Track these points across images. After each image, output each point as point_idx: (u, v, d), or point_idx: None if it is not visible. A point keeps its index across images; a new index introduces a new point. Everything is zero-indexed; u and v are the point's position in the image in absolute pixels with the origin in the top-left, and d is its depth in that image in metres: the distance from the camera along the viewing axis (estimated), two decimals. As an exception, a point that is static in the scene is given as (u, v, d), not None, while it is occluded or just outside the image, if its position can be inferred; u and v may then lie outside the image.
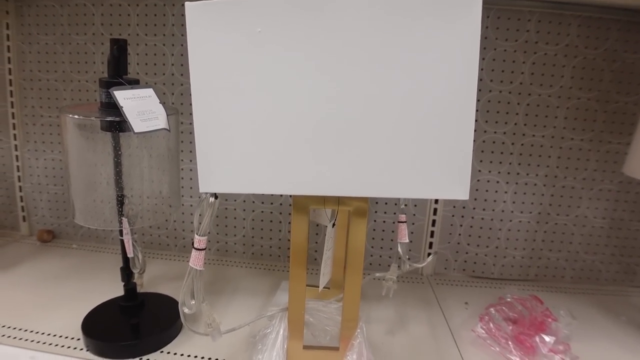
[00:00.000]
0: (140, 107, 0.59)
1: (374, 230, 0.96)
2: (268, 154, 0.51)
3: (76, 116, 0.62)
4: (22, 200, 1.10)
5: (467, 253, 0.96)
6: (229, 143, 0.52)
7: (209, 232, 0.69)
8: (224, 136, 0.51)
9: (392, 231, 0.95)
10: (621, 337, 0.77)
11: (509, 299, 0.76)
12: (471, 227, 0.94)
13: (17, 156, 1.08)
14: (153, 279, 0.90)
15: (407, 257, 0.68)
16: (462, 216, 0.94)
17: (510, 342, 0.67)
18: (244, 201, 0.98)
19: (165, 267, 0.97)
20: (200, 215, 0.56)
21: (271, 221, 0.98)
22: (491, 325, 0.70)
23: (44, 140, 1.05)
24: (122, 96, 0.59)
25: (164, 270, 0.94)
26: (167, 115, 0.61)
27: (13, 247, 1.05)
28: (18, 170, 1.08)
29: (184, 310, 0.58)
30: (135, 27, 0.95)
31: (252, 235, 1.00)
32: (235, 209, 0.98)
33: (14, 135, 1.06)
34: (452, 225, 0.94)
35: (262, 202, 0.97)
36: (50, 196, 1.07)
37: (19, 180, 1.09)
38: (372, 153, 0.51)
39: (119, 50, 0.61)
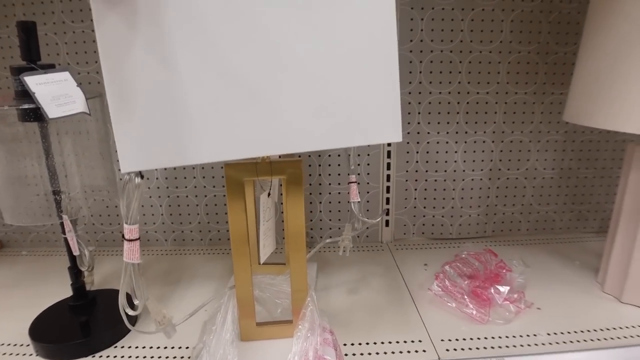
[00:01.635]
0: (56, 91, 0.55)
1: (330, 202, 0.95)
2: (186, 121, 0.48)
3: (-13, 108, 0.57)
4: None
5: (424, 216, 0.96)
6: (142, 113, 0.48)
7: (153, 222, 0.66)
8: (137, 109, 0.47)
9: (348, 201, 0.95)
10: (575, 279, 0.79)
11: (464, 255, 0.77)
12: (426, 190, 0.94)
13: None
14: (107, 276, 0.86)
15: (360, 215, 0.67)
16: (416, 180, 0.94)
17: (466, 297, 0.68)
18: (195, 187, 0.95)
19: (120, 263, 0.93)
20: (127, 201, 0.52)
21: (225, 204, 0.96)
22: (447, 282, 0.70)
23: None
24: (34, 82, 0.55)
25: (118, 266, 0.91)
26: (87, 99, 0.57)
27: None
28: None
29: (127, 311, 0.54)
30: (60, 15, 0.89)
31: (208, 220, 0.98)
32: (187, 196, 0.95)
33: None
34: (406, 190, 0.94)
35: (214, 186, 0.95)
36: (-10, 203, 1.01)
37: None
38: (297, 105, 0.48)
39: (26, 33, 0.57)
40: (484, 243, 0.94)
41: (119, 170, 0.48)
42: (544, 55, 0.89)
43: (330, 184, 0.93)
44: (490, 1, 0.86)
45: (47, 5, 0.89)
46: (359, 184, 0.91)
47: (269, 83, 0.48)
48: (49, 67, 0.58)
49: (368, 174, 0.92)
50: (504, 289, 0.68)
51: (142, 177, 0.51)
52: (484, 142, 0.92)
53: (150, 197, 0.96)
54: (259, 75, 0.47)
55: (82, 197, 0.69)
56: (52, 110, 0.53)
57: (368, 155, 0.90)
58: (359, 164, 0.90)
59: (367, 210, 0.95)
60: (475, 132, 0.92)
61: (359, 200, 0.66)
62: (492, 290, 0.68)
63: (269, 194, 0.61)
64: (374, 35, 0.47)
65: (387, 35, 0.47)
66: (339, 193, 0.94)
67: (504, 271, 0.73)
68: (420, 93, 0.89)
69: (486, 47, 0.87)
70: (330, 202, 0.95)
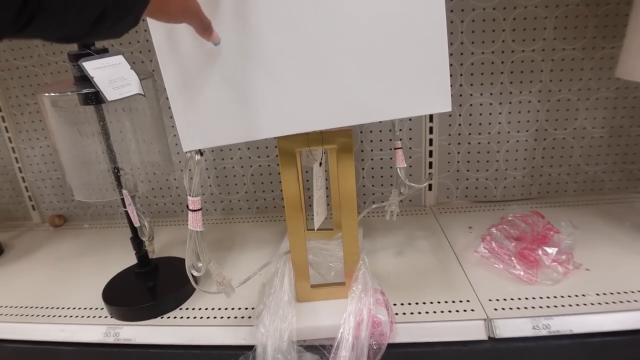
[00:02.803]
0: (112, 75, 0.58)
1: (372, 168, 0.96)
2: (241, 100, 0.51)
3: (51, 94, 0.61)
4: (27, 190, 1.12)
5: (467, 179, 0.96)
6: (201, 96, 0.51)
7: (202, 193, 0.69)
8: (196, 89, 0.51)
9: (391, 167, 0.96)
10: (625, 240, 0.78)
11: (510, 218, 0.77)
12: (469, 153, 0.94)
13: (12, 148, 1.08)
14: (164, 245, 0.92)
15: (407, 180, 0.68)
16: (459, 143, 0.93)
17: (513, 258, 0.68)
18: (241, 158, 0.98)
19: (174, 232, 0.99)
20: (190, 177, 0.56)
21: (270, 174, 0.99)
22: (493, 244, 0.71)
23: (35, 128, 1.05)
24: (92, 66, 0.58)
25: (174, 236, 0.97)
26: (141, 80, 0.60)
27: (28, 235, 1.08)
28: (17, 162, 1.09)
29: (193, 272, 0.60)
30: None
31: (254, 190, 1.01)
32: (233, 167, 0.99)
33: (5, 127, 1.06)
34: (449, 153, 0.94)
35: (259, 157, 0.98)
36: (54, 182, 1.09)
37: (20, 171, 1.10)
38: (346, 79, 0.50)
39: (82, 19, 0.59)
40: (529, 205, 0.94)
41: (176, 145, 0.52)
42: (594, 7, 0.85)
43: (372, 150, 0.94)
44: (536, -48, 0.81)
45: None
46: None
47: (325, 56, 0.49)
48: (103, 52, 0.61)
49: (410, 138, 0.93)
50: (551, 250, 0.68)
51: (201, 154, 0.55)
52: (529, 102, 0.90)
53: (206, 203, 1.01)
54: (310, 55, 0.49)
55: (139, 173, 0.73)
56: (110, 93, 0.57)
57: (410, 119, 0.90)
58: (401, 129, 0.90)
59: (410, 175, 0.95)
60: (520, 92, 0.89)
61: (405, 165, 0.67)
62: (540, 252, 0.68)
63: (320, 163, 0.63)
64: (424, 7, 0.47)
65: (436, 6, 0.47)
66: (381, 159, 0.95)
67: (552, 233, 0.73)
68: (462, 54, 0.87)
69: (530, 1, 0.84)
70: (372, 168, 0.96)
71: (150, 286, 0.74)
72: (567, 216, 0.87)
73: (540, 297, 0.64)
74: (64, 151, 0.68)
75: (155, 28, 0.49)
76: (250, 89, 0.51)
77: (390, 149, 0.94)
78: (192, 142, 0.53)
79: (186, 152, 0.54)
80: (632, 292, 0.64)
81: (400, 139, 0.65)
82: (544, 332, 0.59)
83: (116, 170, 0.68)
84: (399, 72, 0.50)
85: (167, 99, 0.52)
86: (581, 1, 0.84)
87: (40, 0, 0.26)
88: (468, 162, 0.94)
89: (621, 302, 0.62)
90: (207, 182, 1.01)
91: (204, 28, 0.45)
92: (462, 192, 0.97)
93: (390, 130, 0.91)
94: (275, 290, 0.62)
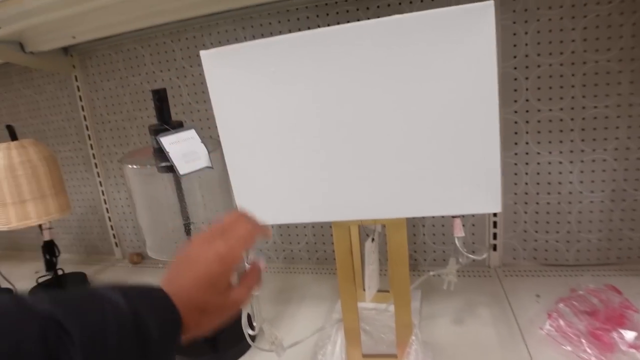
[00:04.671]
0: (184, 149, 0.64)
1: (434, 226, 0.94)
2: (299, 185, 0.55)
3: (134, 166, 0.69)
4: (112, 229, 1.24)
5: (536, 240, 0.91)
6: (261, 179, 0.55)
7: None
8: (255, 172, 0.55)
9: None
10: None
11: (581, 292, 0.71)
12: (537, 213, 0.89)
13: (102, 191, 1.21)
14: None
15: (465, 250, 0.66)
16: (526, 203, 0.89)
17: (583, 340, 0.63)
18: None
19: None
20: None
21: (330, 226, 1.01)
22: (561, 322, 0.66)
23: (121, 174, 1.16)
24: (168, 142, 0.64)
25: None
26: (209, 153, 0.65)
27: (111, 270, 1.20)
28: (105, 203, 1.22)
29: (248, 332, 0.64)
30: (181, 61, 1.01)
31: (315, 241, 1.03)
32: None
33: (97, 173, 1.20)
34: (515, 213, 0.90)
35: (319, 211, 1.00)
36: (135, 222, 1.19)
37: (107, 212, 1.23)
38: (401, 174, 0.52)
39: (159, 100, 0.66)
40: (606, 272, 0.86)
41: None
42: (680, 61, 0.78)
43: (432, 208, 0.93)
44: (605, 5, 0.77)
45: (169, 54, 1.01)
46: (463, 217, 0.89)
47: (378, 160, 0.52)
48: (179, 126, 0.67)
49: None
50: (630, 334, 0.62)
51: None
52: (604, 160, 0.84)
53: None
54: (371, 153, 0.52)
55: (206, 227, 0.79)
56: (182, 167, 0.62)
57: None
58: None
59: (473, 234, 0.92)
60: (594, 150, 0.84)
61: (463, 234, 0.65)
62: (615, 335, 0.63)
63: (372, 239, 0.64)
64: (475, 98, 0.48)
65: (488, 96, 0.47)
66: (443, 217, 0.93)
67: (630, 312, 0.67)
68: (527, 111, 0.84)
69: (603, 55, 0.79)
70: (434, 226, 0.94)
71: (210, 338, 0.78)
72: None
73: (616, 389, 0.58)
74: (142, 213, 0.75)
75: (220, 114, 0.54)
76: (309, 177, 0.55)
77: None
78: None
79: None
80: None
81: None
82: None
83: (186, 226, 0.74)
84: (452, 171, 0.51)
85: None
86: (663, 55, 0.78)
87: None
88: (536, 222, 0.89)
89: None
90: (271, 231, 1.05)
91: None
92: (529, 253, 0.92)
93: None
94: (326, 356, 0.63)
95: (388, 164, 0.52)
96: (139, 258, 1.23)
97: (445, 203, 0.52)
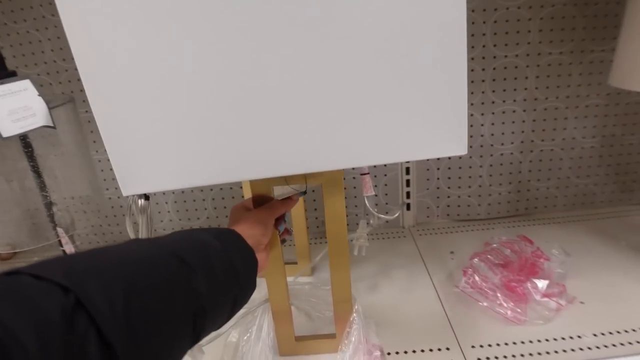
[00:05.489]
0: (12, 104, 0.49)
1: (345, 188, 0.88)
2: (196, 135, 0.39)
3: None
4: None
5: (448, 197, 0.88)
6: (143, 132, 0.39)
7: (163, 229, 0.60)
8: (135, 124, 0.39)
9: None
10: (622, 265, 0.70)
11: (495, 245, 0.69)
12: (449, 169, 0.86)
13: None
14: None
15: (376, 210, 0.60)
16: (438, 159, 0.85)
17: (499, 294, 0.60)
18: (207, 218, 0.89)
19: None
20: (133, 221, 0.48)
21: (233, 197, 0.90)
22: (476, 277, 0.63)
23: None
24: (-9, 93, 0.49)
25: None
26: (52, 108, 0.51)
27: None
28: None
29: None
30: (39, 9, 0.81)
31: (217, 215, 0.92)
32: (192, 191, 0.90)
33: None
34: (428, 169, 0.86)
35: (226, 216, 0.89)
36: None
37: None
38: (340, 113, 0.39)
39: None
40: (516, 223, 0.86)
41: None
42: (582, 7, 0.77)
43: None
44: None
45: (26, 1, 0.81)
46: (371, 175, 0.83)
47: (312, 82, 0.38)
48: (10, 76, 0.51)
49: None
50: (542, 283, 0.60)
51: (147, 198, 0.46)
52: (513, 111, 0.82)
53: (165, 230, 0.91)
54: (299, 72, 0.37)
55: (72, 209, 0.64)
56: (7, 127, 0.47)
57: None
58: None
59: (386, 194, 0.87)
60: (504, 102, 0.82)
61: (374, 193, 0.59)
62: (529, 285, 0.61)
63: (304, 192, 0.53)
64: (440, 13, 0.37)
65: (456, 28, 0.37)
66: (354, 178, 0.86)
67: (542, 260, 0.65)
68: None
69: (513, 2, 0.76)
70: (345, 188, 0.87)
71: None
72: (557, 235, 0.80)
73: (530, 341, 0.56)
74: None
75: (79, 51, 0.37)
76: (210, 120, 0.39)
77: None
78: (132, 185, 0.41)
79: (127, 198, 0.45)
80: (634, 330, 0.56)
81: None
82: (535, 388, 0.51)
83: (49, 206, 0.59)
84: (409, 108, 0.39)
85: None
86: (568, 1, 0.76)
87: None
88: (449, 178, 0.86)
89: (621, 344, 0.54)
90: (166, 216, 0.91)
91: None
92: (443, 210, 0.89)
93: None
94: (251, 347, 0.53)
95: (324, 98, 0.38)
96: (9, 254, 1.03)
97: (399, 148, 0.41)
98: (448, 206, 0.89)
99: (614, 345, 0.54)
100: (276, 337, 0.56)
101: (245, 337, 0.55)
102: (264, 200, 0.47)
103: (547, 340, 0.56)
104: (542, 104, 0.82)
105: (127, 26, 0.36)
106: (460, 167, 0.85)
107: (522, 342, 0.56)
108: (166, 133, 0.39)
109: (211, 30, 0.36)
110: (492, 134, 0.83)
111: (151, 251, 0.29)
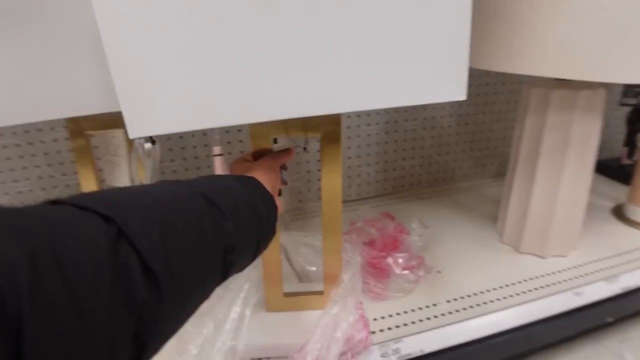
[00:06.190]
0: None
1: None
2: (204, 75, 0.37)
3: None
4: None
5: (319, 180, 0.87)
6: (152, 72, 0.36)
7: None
8: (145, 63, 0.36)
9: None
10: (473, 233, 0.75)
11: (359, 224, 0.69)
12: (318, 151, 0.85)
13: None
14: None
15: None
16: (307, 141, 0.84)
17: (363, 272, 0.60)
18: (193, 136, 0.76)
19: None
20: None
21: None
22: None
23: None
24: None
25: None
26: None
27: None
28: None
29: None
30: None
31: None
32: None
33: None
34: (298, 153, 0.84)
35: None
36: None
37: None
38: (341, 55, 0.38)
39: None
40: (383, 202, 0.88)
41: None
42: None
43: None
44: None
45: None
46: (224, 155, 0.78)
47: (314, 25, 0.36)
48: None
49: (239, 130, 0.79)
50: (402, 256, 0.62)
51: (153, 142, 0.47)
52: (377, 92, 0.83)
53: None
54: (301, 15, 0.36)
55: None
56: None
57: (227, 132, 0.77)
58: (227, 131, 0.77)
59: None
60: (367, 82, 0.82)
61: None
62: (390, 260, 0.61)
63: (305, 149, 0.53)
64: None
65: None
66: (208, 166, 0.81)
67: (403, 235, 0.67)
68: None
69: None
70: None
71: None
72: (421, 211, 0.83)
73: (391, 315, 0.56)
74: None
75: None
76: (214, 62, 0.37)
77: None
78: (140, 126, 0.38)
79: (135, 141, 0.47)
80: (482, 292, 0.60)
81: (228, 142, 0.53)
82: (393, 359, 0.51)
83: None
84: (407, 49, 0.39)
85: None
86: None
87: (232, 261, 0.31)
88: (318, 160, 0.85)
89: (471, 307, 0.58)
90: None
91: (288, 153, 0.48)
92: (314, 194, 0.88)
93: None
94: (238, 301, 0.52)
95: (326, 40, 0.37)
96: None
97: (400, 91, 0.40)
98: (319, 189, 0.88)
99: (464, 309, 0.57)
100: (265, 293, 0.54)
101: (233, 292, 0.54)
102: (264, 154, 0.47)
103: (405, 312, 0.57)
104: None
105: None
106: (307, 161, 0.85)
107: (382, 318, 0.56)
108: (173, 73, 0.37)
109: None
110: (358, 115, 0.84)
111: (181, 191, 0.30)
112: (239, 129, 0.77)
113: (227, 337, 0.49)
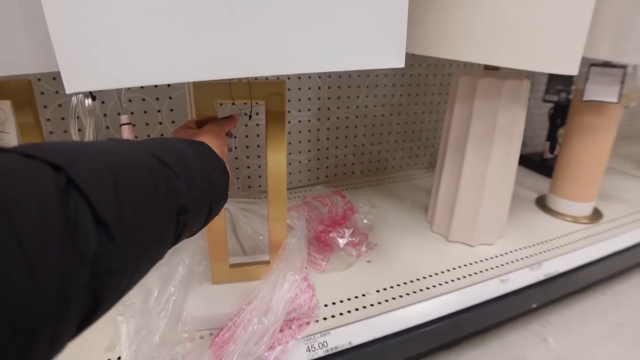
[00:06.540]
0: None
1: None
2: (143, 30, 0.35)
3: None
4: None
5: (248, 167, 0.82)
6: (92, 20, 0.34)
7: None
8: (85, 10, 0.34)
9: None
10: (404, 222, 0.75)
11: (309, 200, 0.68)
12: (247, 136, 0.80)
13: None
14: None
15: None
16: (236, 127, 0.79)
17: (310, 246, 0.60)
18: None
19: None
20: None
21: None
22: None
23: None
24: None
25: None
26: None
27: None
28: None
29: None
30: None
31: None
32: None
33: None
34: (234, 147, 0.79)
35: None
36: None
37: None
38: (281, 16, 0.37)
39: None
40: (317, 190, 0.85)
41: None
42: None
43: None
44: None
45: None
46: (134, 125, 0.72)
47: None
48: None
49: (171, 109, 0.73)
50: (346, 232, 0.61)
51: (94, 98, 0.44)
52: (309, 77, 0.80)
53: None
54: None
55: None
56: None
57: (170, 98, 0.71)
58: (159, 111, 0.70)
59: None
60: (300, 66, 0.79)
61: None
62: (335, 235, 0.60)
63: (249, 116, 0.51)
64: None
65: None
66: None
67: (351, 212, 0.66)
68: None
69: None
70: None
71: None
72: (356, 200, 0.81)
73: (318, 307, 0.54)
74: None
75: None
76: (156, 16, 0.35)
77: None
78: (77, 81, 0.36)
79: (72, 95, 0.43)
80: (411, 281, 0.59)
81: (132, 112, 0.48)
82: (320, 353, 0.49)
83: None
84: (348, 12, 0.39)
85: None
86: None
87: (185, 222, 0.31)
88: (247, 147, 0.81)
89: (400, 296, 0.57)
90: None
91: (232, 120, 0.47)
92: (243, 182, 0.83)
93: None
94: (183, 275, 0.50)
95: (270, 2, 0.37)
96: None
97: (338, 55, 0.40)
98: (249, 177, 0.83)
99: (393, 298, 0.56)
100: (210, 265, 0.53)
101: (179, 268, 0.51)
102: (208, 122, 0.46)
103: (333, 303, 0.55)
104: (336, 72, 0.82)
105: None
106: (258, 135, 0.80)
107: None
108: (111, 26, 0.35)
109: None
110: (289, 100, 0.80)
111: (132, 149, 0.29)
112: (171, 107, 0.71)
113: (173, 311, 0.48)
